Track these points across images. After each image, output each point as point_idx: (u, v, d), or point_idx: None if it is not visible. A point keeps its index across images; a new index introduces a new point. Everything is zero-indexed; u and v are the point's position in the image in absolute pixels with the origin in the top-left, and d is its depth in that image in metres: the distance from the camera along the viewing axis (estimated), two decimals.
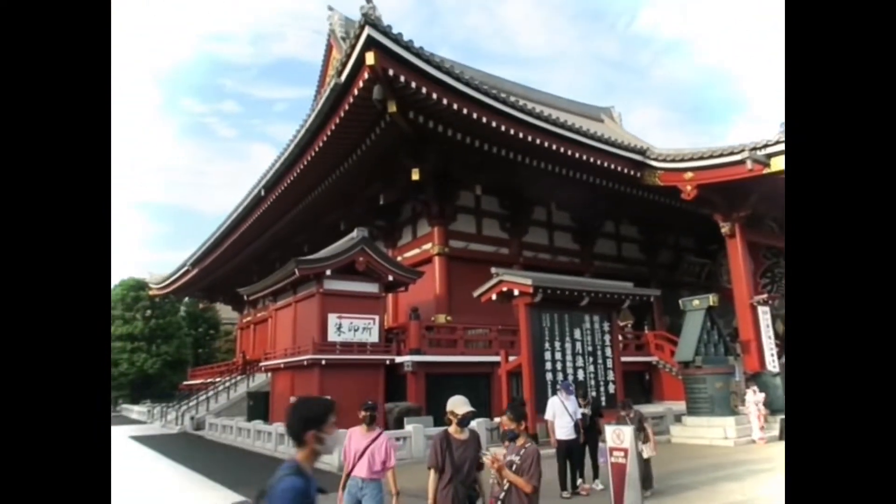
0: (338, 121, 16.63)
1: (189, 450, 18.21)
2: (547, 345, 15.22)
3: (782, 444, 13.66)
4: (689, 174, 18.76)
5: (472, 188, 21.67)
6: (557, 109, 26.19)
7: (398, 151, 18.32)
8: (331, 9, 26.52)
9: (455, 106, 15.88)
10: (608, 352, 16.36)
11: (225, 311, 51.10)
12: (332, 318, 17.06)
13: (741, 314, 19.33)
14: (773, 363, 18.29)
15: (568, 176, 20.00)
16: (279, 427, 16.29)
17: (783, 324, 20.22)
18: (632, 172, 20.10)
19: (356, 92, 15.41)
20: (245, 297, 23.31)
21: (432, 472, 4.47)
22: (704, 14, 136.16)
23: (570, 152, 18.47)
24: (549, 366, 15.12)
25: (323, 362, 16.37)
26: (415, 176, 18.00)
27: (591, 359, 15.95)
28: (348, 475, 5.48)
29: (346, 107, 16.06)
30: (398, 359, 17.80)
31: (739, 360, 18.13)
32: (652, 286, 23.29)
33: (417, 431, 13.75)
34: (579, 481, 9.61)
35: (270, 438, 16.41)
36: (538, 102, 23.69)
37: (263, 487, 2.36)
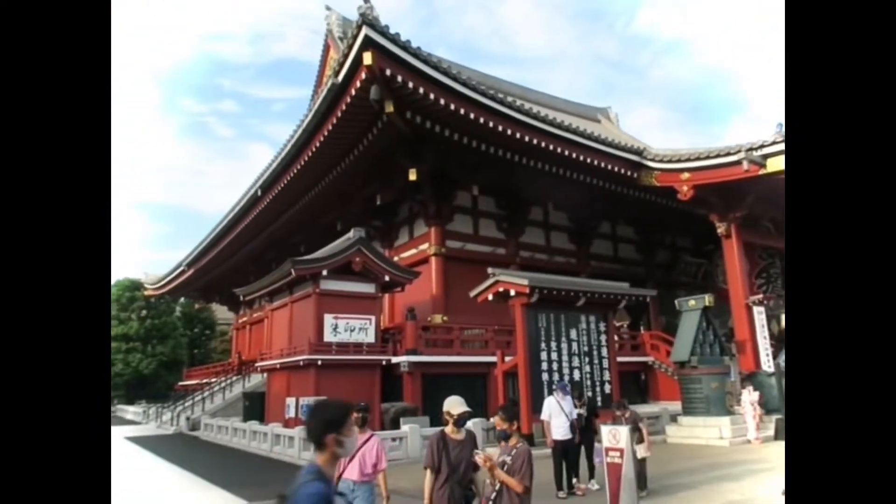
0: (335, 121, 16.62)
1: (184, 450, 18.17)
2: (543, 345, 15.23)
3: (778, 444, 13.71)
4: (686, 175, 18.83)
5: (469, 188, 21.69)
6: (554, 110, 26.19)
7: (395, 151, 18.32)
8: (328, 8, 26.48)
9: (452, 106, 15.90)
10: (604, 352, 16.39)
11: (221, 312, 51.03)
12: (329, 319, 17.05)
13: (737, 314, 19.41)
14: (768, 363, 18.37)
15: (565, 176, 20.03)
16: (275, 428, 16.28)
17: (778, 324, 20.31)
18: (628, 173, 20.16)
19: (353, 92, 15.42)
20: (241, 298, 23.26)
21: (428, 472, 4.47)
22: (704, 14, 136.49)
23: (566, 153, 18.51)
24: (545, 366, 15.14)
25: (319, 363, 16.36)
26: (412, 176, 18.02)
27: (587, 359, 15.98)
28: (339, 477, 5.46)
29: (344, 107, 16.06)
30: (394, 359, 17.80)
31: (735, 361, 18.18)
32: (648, 286, 23.32)
33: (413, 432, 13.75)
34: (574, 481, 9.62)
35: (266, 439, 16.38)
36: (535, 103, 23.72)
37: (283, 492, 2.35)
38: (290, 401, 16.77)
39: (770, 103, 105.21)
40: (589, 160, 19.14)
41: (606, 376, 16.27)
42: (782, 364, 17.18)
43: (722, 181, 17.75)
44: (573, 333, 15.86)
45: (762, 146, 15.90)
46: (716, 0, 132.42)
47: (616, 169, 19.86)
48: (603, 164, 19.53)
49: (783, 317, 20.64)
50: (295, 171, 19.92)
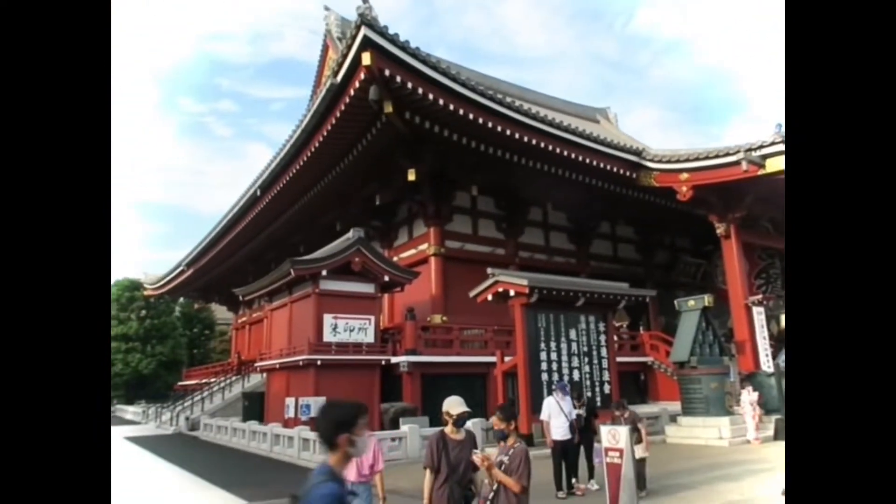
0: (334, 121, 16.62)
1: (184, 451, 18.17)
2: (542, 345, 15.24)
3: (777, 444, 13.73)
4: (685, 175, 18.83)
5: (469, 189, 21.69)
6: (553, 110, 26.21)
7: (394, 152, 18.32)
8: (327, 9, 26.47)
9: (451, 106, 15.90)
10: (604, 352, 16.40)
11: (220, 312, 51.03)
12: (328, 319, 17.06)
13: (736, 315, 19.42)
14: (767, 363, 18.38)
15: (564, 176, 20.04)
16: (274, 428, 16.28)
17: (778, 324, 20.32)
18: (628, 173, 20.16)
19: (352, 92, 15.42)
20: (240, 298, 23.26)
21: (428, 472, 4.47)
22: (704, 14, 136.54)
23: (565, 153, 18.51)
24: (544, 366, 15.15)
25: (318, 363, 16.37)
26: (411, 176, 18.02)
27: (586, 359, 15.98)
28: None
29: (343, 107, 16.05)
30: (394, 359, 17.80)
31: (734, 361, 18.19)
32: (647, 287, 23.33)
33: (413, 432, 13.75)
34: (574, 481, 9.62)
35: (265, 439, 16.37)
36: (534, 103, 23.74)
37: (295, 493, 2.35)
38: (290, 401, 16.76)
39: (770, 103, 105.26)
40: (588, 160, 19.14)
41: (606, 376, 16.28)
42: (781, 364, 17.19)
43: (721, 182, 17.76)
44: (573, 333, 15.87)
45: (761, 146, 15.91)
46: (716, 0, 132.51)
47: (615, 169, 19.87)
48: (602, 165, 19.54)
49: (782, 317, 20.66)
50: (294, 171, 19.92)
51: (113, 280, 46.85)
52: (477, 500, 4.55)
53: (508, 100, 17.66)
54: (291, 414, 16.47)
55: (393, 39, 14.69)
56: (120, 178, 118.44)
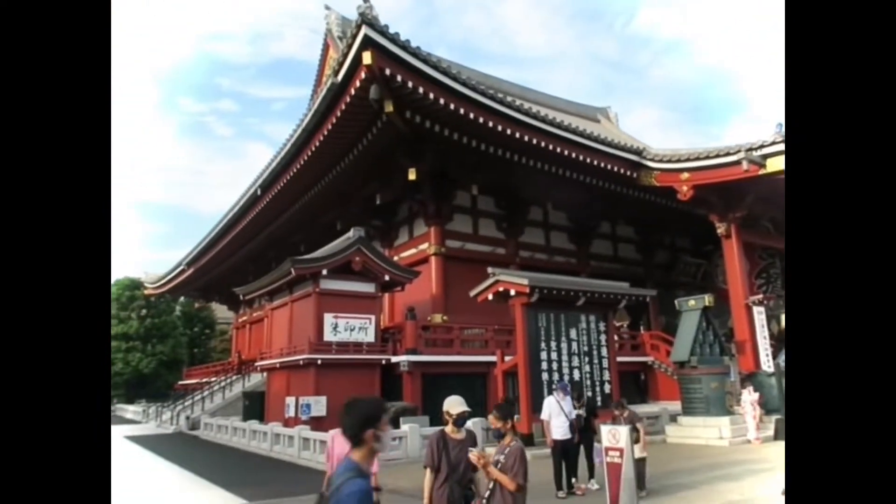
0: (334, 120, 16.62)
1: (184, 450, 18.17)
2: (543, 345, 15.23)
3: (778, 444, 13.72)
4: (686, 175, 18.83)
5: (469, 188, 21.69)
6: (554, 109, 26.20)
7: (395, 151, 18.32)
8: (328, 8, 26.46)
9: (452, 106, 15.90)
10: (604, 352, 16.39)
11: (220, 311, 51.03)
12: (329, 318, 17.07)
13: (736, 314, 19.42)
14: (767, 363, 18.37)
15: (564, 176, 20.04)
16: (275, 427, 16.28)
17: (778, 324, 20.32)
18: (628, 173, 20.16)
19: (353, 91, 15.42)
20: (241, 297, 23.27)
21: (428, 471, 4.47)
22: (704, 14, 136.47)
23: (566, 152, 18.51)
24: (544, 366, 15.14)
25: (319, 362, 16.38)
26: (411, 176, 18.02)
27: (586, 359, 15.98)
28: (331, 477, 5.43)
29: (343, 106, 16.05)
30: (394, 358, 17.80)
31: (734, 361, 18.17)
32: (648, 286, 23.33)
33: (413, 431, 13.75)
34: (574, 481, 9.62)
35: (266, 438, 16.38)
36: (535, 102, 23.72)
37: (323, 492, 2.35)
38: (290, 400, 16.76)
39: (770, 103, 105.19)
40: (588, 160, 19.14)
41: (606, 376, 16.27)
42: (782, 364, 17.19)
43: (721, 181, 17.75)
44: (573, 333, 15.86)
45: (762, 146, 15.90)
46: (716, 0, 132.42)
47: (615, 169, 19.86)
48: (602, 164, 19.53)
49: (783, 317, 20.65)
50: (294, 170, 19.92)
51: (113, 279, 46.88)
52: (476, 500, 4.55)
53: (509, 99, 17.65)
54: (292, 413, 16.47)
55: (394, 39, 14.69)
56: (120, 178, 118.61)
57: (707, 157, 17.86)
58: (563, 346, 15.58)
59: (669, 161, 19.41)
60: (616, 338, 19.11)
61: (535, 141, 17.71)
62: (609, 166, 19.69)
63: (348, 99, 15.73)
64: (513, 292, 15.16)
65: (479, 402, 16.85)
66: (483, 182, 21.50)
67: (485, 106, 16.50)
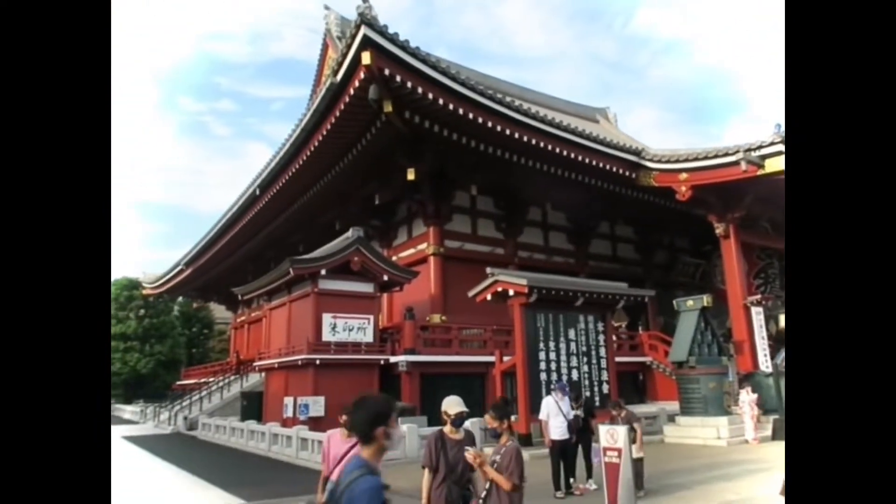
0: (333, 120, 16.62)
1: (182, 450, 18.16)
2: (541, 345, 15.23)
3: (775, 444, 13.75)
4: (684, 175, 18.84)
5: (468, 188, 21.69)
6: (553, 110, 26.21)
7: (394, 151, 18.32)
8: (327, 8, 26.45)
9: (451, 106, 15.90)
10: (602, 352, 16.40)
11: (219, 311, 50.99)
12: (327, 318, 17.06)
13: (735, 315, 19.44)
14: (766, 363, 18.38)
15: (563, 176, 20.05)
16: (273, 427, 16.27)
17: (776, 324, 20.35)
18: (627, 173, 20.17)
19: (352, 91, 15.41)
20: (239, 297, 23.25)
21: (426, 471, 4.47)
22: (704, 14, 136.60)
23: (565, 152, 18.52)
24: (543, 366, 15.14)
25: (317, 362, 16.37)
26: (410, 176, 18.02)
27: (585, 359, 15.98)
28: (326, 479, 5.43)
29: (342, 106, 16.05)
30: (393, 358, 17.80)
31: (733, 361, 18.20)
32: (646, 287, 23.34)
33: (411, 431, 13.74)
34: (572, 481, 9.62)
35: (264, 439, 16.36)
36: (533, 103, 23.73)
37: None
38: (288, 400, 16.75)
39: (770, 103, 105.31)
40: (587, 160, 19.15)
41: (605, 376, 16.28)
42: (780, 364, 17.21)
43: (720, 182, 17.77)
44: (571, 333, 15.86)
45: (760, 147, 15.93)
46: (715, 0, 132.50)
47: (614, 169, 19.87)
48: (601, 165, 19.54)
49: (781, 317, 20.69)
50: (293, 170, 19.91)
51: (112, 279, 46.82)
52: (474, 500, 4.55)
53: (508, 99, 17.66)
54: (290, 413, 16.46)
55: (393, 39, 14.68)
56: (120, 178, 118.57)
57: (706, 158, 17.87)
58: (562, 346, 15.59)
59: (668, 161, 19.43)
60: (614, 338, 19.11)
61: (533, 141, 17.72)
62: (608, 166, 19.70)
63: (347, 99, 15.72)
64: (511, 292, 15.16)
65: (478, 402, 16.85)
66: (482, 182, 21.51)
67: (484, 106, 16.50)
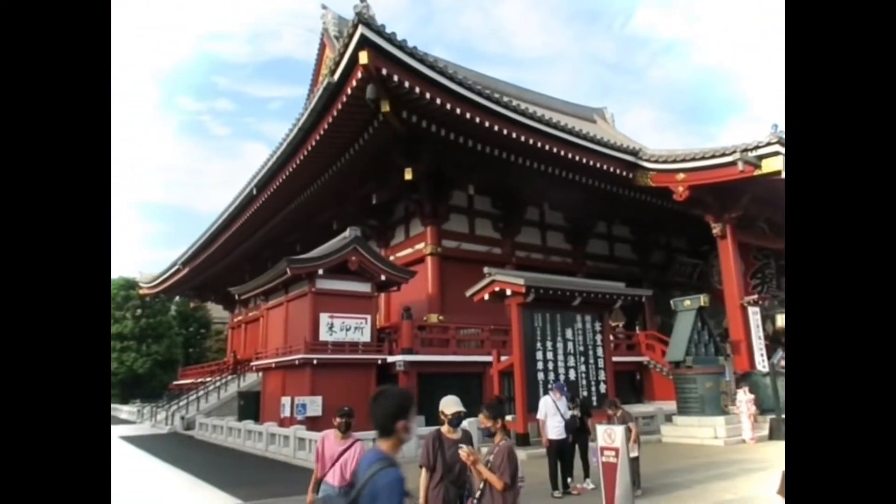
0: (331, 120, 16.60)
1: (179, 450, 18.12)
2: (539, 344, 15.23)
3: (772, 444, 13.79)
4: (681, 175, 18.87)
5: (465, 188, 21.68)
6: (550, 110, 26.24)
7: (391, 151, 18.30)
8: (324, 7, 26.43)
9: (448, 106, 15.89)
10: (600, 352, 16.40)
11: (216, 311, 50.86)
12: (324, 318, 17.05)
13: (732, 314, 19.48)
14: (762, 363, 18.42)
15: (561, 176, 20.06)
16: (270, 427, 16.25)
17: (773, 324, 20.40)
18: (624, 173, 20.19)
19: (349, 91, 15.39)
20: (236, 297, 23.24)
21: (424, 470, 4.48)
22: (703, 14, 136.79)
23: (562, 153, 18.53)
24: (540, 365, 15.13)
25: (315, 362, 16.35)
26: (408, 175, 18.00)
27: (582, 359, 15.98)
28: (319, 480, 5.41)
29: (339, 106, 16.03)
30: (390, 358, 17.79)
31: (729, 361, 18.24)
32: (644, 286, 23.38)
33: None
34: (569, 480, 9.64)
35: (261, 438, 16.34)
36: (531, 103, 23.74)
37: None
38: (286, 400, 16.74)
39: (769, 103, 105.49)
40: (584, 160, 19.16)
41: (602, 376, 16.28)
42: (776, 364, 17.26)
43: (717, 182, 17.80)
44: (569, 333, 15.86)
45: (757, 147, 15.96)
46: (715, 0, 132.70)
47: (612, 169, 19.89)
48: (598, 165, 19.56)
49: (778, 317, 20.75)
50: (291, 169, 19.88)
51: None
52: (469, 499, 4.56)
53: (506, 99, 17.66)
54: (287, 413, 16.45)
55: (390, 38, 14.67)
56: (120, 178, 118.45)
57: (703, 158, 17.90)
58: (559, 345, 15.59)
59: (665, 161, 19.45)
60: (612, 338, 19.14)
61: (531, 141, 17.72)
62: (605, 167, 19.72)
63: (345, 98, 15.70)
64: (509, 292, 15.16)
65: (476, 401, 16.72)
66: (479, 182, 21.50)
67: (481, 106, 16.50)
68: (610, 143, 20.10)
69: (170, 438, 22.16)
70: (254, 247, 30.13)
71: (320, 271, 17.24)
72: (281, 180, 20.82)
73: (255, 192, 22.82)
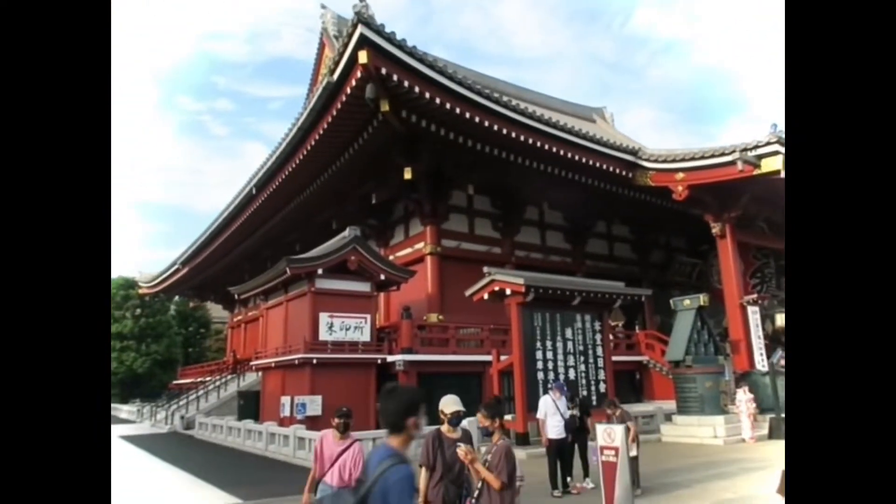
0: (330, 119, 16.59)
1: (179, 449, 18.13)
2: (538, 344, 15.24)
3: (772, 443, 13.80)
4: (681, 175, 18.87)
5: (465, 187, 21.67)
6: (550, 110, 26.24)
7: (391, 150, 18.30)
8: (323, 7, 26.42)
9: (448, 105, 15.89)
10: (599, 351, 16.40)
11: (215, 310, 50.86)
12: (324, 317, 17.04)
13: (731, 314, 19.48)
14: (762, 362, 18.43)
15: (560, 176, 20.05)
16: (270, 426, 16.25)
17: (772, 323, 20.41)
18: (624, 173, 20.19)
19: (349, 90, 15.39)
20: (236, 296, 23.23)
21: (423, 470, 4.48)
22: (703, 14, 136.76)
23: (562, 152, 18.53)
24: (540, 365, 15.14)
25: (314, 361, 16.35)
26: (407, 175, 18.00)
27: (582, 358, 15.99)
28: (317, 480, 5.40)
29: (339, 105, 16.02)
30: (390, 358, 17.79)
31: (729, 360, 18.25)
32: (643, 286, 23.39)
33: None
34: (569, 479, 9.64)
35: (261, 438, 16.35)
36: (531, 102, 23.75)
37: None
38: (285, 399, 16.74)
39: (769, 103, 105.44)
40: (584, 160, 19.16)
41: (601, 375, 16.29)
42: (776, 363, 17.27)
43: (717, 181, 17.80)
44: (568, 332, 15.86)
45: (757, 146, 15.96)
46: (715, 0, 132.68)
47: (611, 169, 19.89)
48: (598, 164, 19.55)
49: (777, 316, 20.76)
50: (290, 169, 19.87)
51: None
52: (468, 499, 4.56)
53: (505, 99, 17.65)
54: (287, 413, 16.45)
55: (389, 38, 14.66)
56: (120, 178, 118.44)
57: (702, 158, 17.90)
58: (559, 345, 15.59)
59: (665, 161, 19.45)
60: (611, 337, 19.14)
61: (530, 141, 17.72)
62: (605, 166, 19.71)
63: (344, 98, 15.69)
64: (508, 292, 15.16)
65: (475, 401, 16.62)
66: (479, 181, 21.49)
67: (481, 105, 16.50)
68: (609, 143, 20.11)
69: (169, 438, 22.16)
70: (253, 246, 30.12)
71: (320, 271, 17.24)
72: (280, 180, 20.81)
73: (254, 191, 22.81)
